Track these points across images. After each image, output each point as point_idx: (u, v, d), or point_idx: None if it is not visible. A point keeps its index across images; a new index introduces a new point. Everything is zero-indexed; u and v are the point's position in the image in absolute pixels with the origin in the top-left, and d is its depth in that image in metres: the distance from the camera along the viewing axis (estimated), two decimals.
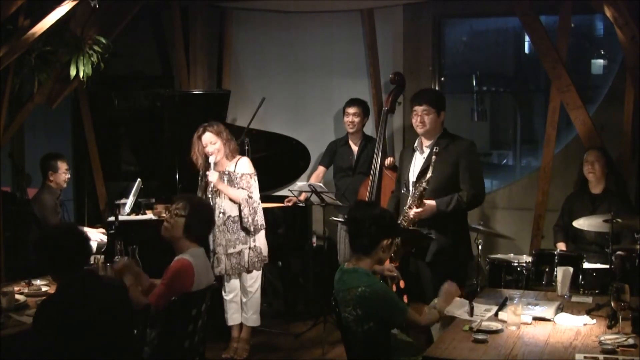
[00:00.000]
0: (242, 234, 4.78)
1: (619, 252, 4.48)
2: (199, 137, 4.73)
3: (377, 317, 3.12)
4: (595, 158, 5.01)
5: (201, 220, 3.59)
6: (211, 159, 4.70)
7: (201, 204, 3.75)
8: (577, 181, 5.18)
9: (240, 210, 4.76)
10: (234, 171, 4.80)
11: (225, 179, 4.79)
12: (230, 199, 4.77)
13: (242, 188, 4.77)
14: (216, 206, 4.78)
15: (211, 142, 4.70)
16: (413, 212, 4.11)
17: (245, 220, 4.75)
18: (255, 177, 4.85)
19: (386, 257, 3.33)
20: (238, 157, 4.87)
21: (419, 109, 4.32)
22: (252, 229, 4.78)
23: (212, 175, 4.67)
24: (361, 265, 3.22)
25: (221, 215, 4.78)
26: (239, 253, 4.79)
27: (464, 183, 4.18)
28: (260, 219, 4.85)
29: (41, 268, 3.07)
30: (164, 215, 4.91)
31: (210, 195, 4.81)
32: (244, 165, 4.82)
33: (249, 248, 4.80)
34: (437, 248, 4.17)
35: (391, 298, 3.17)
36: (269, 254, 5.02)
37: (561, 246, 5.07)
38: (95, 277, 3.06)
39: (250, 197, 4.77)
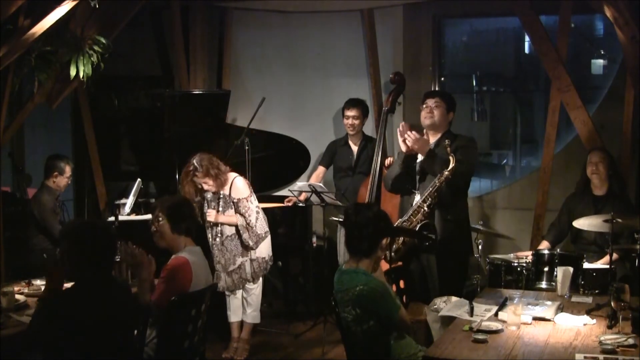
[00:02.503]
0: (240, 248, 4.83)
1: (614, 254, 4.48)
2: (189, 182, 4.70)
3: (376, 316, 3.12)
4: (600, 159, 4.97)
5: (183, 213, 3.64)
6: (207, 195, 4.82)
7: (176, 200, 3.79)
8: (579, 182, 5.15)
9: (239, 234, 4.81)
10: (229, 195, 4.81)
11: (221, 202, 4.83)
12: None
13: (240, 214, 4.79)
14: (214, 232, 4.87)
15: (204, 183, 4.71)
16: (414, 133, 4.25)
17: (247, 242, 4.80)
18: (252, 197, 4.83)
19: (382, 255, 3.33)
20: (232, 179, 4.81)
21: (430, 101, 4.45)
22: (254, 247, 4.83)
23: (211, 216, 4.79)
24: (360, 266, 3.23)
25: (218, 237, 4.84)
26: (240, 267, 4.83)
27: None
28: (261, 228, 4.84)
29: (62, 261, 2.95)
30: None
31: (206, 225, 4.88)
32: (238, 190, 4.79)
33: (250, 260, 4.84)
34: (441, 241, 4.22)
35: (388, 295, 3.18)
36: None
37: (543, 245, 5.06)
38: (111, 280, 3.02)
39: (249, 224, 4.78)
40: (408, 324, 3.27)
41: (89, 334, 2.76)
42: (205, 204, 4.88)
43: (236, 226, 4.79)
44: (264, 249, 4.91)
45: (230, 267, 4.82)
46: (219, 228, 4.84)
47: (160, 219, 3.60)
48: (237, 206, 4.78)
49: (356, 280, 3.16)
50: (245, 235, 4.77)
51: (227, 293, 4.94)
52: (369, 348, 3.17)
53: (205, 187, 4.74)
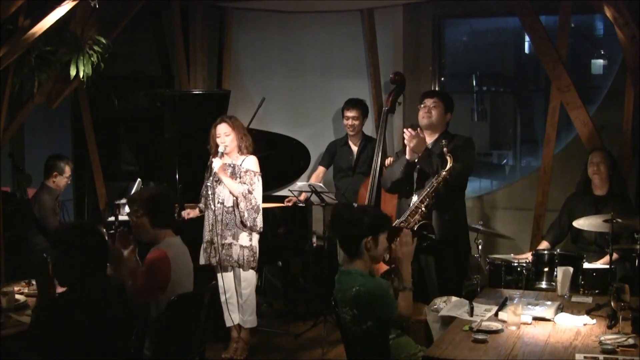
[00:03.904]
0: (235, 228, 4.78)
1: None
2: (215, 127, 4.82)
3: (373, 316, 3.12)
4: (601, 159, 4.98)
5: (162, 206, 3.59)
6: (220, 148, 4.76)
7: (154, 193, 3.72)
8: (580, 182, 5.15)
9: (236, 203, 4.77)
10: (240, 165, 4.82)
11: (229, 170, 4.81)
12: (229, 191, 4.78)
13: (244, 183, 4.78)
14: (216, 195, 4.80)
15: (225, 133, 4.78)
16: (410, 130, 4.25)
17: (242, 213, 4.75)
18: (260, 177, 4.85)
19: (378, 254, 3.26)
20: (248, 154, 4.89)
21: (429, 101, 4.45)
22: (248, 224, 4.78)
23: (216, 163, 4.72)
24: (355, 266, 3.22)
25: (219, 204, 4.79)
26: (229, 246, 4.78)
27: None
28: (260, 221, 4.85)
29: (55, 266, 2.92)
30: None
31: (209, 184, 4.81)
32: (250, 163, 4.84)
33: (240, 246, 4.79)
34: (439, 241, 4.23)
35: (385, 295, 3.17)
36: (269, 254, 5.01)
37: (543, 245, 5.07)
38: (105, 281, 2.99)
39: (250, 193, 4.77)
40: (407, 316, 3.21)
41: (87, 338, 2.75)
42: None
43: (235, 199, 4.75)
44: (256, 243, 4.87)
45: (223, 240, 4.76)
46: (223, 194, 4.79)
47: (140, 213, 3.54)
48: (244, 175, 4.77)
49: (352, 281, 3.15)
50: (242, 205, 4.73)
51: (222, 298, 4.91)
52: (368, 348, 3.16)
53: (223, 138, 4.76)
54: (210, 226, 4.81)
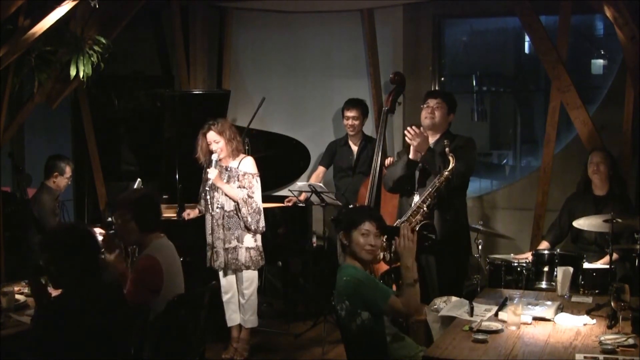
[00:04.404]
0: (238, 231, 4.78)
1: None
2: (204, 135, 4.77)
3: (363, 305, 3.13)
4: (601, 159, 4.97)
5: (147, 210, 3.50)
6: (214, 157, 4.73)
7: (139, 196, 3.62)
8: (580, 182, 5.15)
9: (238, 208, 4.77)
10: (237, 168, 4.80)
11: (226, 174, 4.80)
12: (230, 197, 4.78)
13: (243, 187, 4.77)
14: (214, 200, 4.79)
15: (214, 141, 4.73)
16: (414, 128, 4.23)
17: (245, 219, 4.75)
18: (258, 178, 4.84)
19: (355, 251, 3.27)
20: (243, 155, 4.88)
21: (432, 101, 4.44)
22: (253, 228, 4.78)
23: (212, 173, 4.70)
24: (347, 262, 3.30)
25: (218, 209, 4.78)
26: (234, 249, 4.78)
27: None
28: (262, 222, 4.84)
29: (47, 270, 2.89)
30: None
31: (208, 189, 4.81)
32: (247, 165, 4.82)
33: (246, 248, 4.79)
34: (440, 241, 4.23)
35: (373, 282, 3.23)
36: (269, 254, 5.02)
37: (543, 245, 5.07)
38: (100, 282, 2.96)
39: (250, 197, 4.76)
40: (403, 310, 3.20)
41: (86, 339, 2.74)
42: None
43: (236, 203, 4.74)
44: (260, 243, 4.88)
45: (227, 244, 4.76)
46: (222, 199, 4.77)
47: (127, 217, 3.43)
48: (243, 179, 4.76)
49: (343, 273, 3.23)
50: (244, 210, 4.72)
51: (224, 298, 4.91)
52: (366, 346, 3.17)
53: (214, 146, 4.72)
54: (211, 230, 4.82)
